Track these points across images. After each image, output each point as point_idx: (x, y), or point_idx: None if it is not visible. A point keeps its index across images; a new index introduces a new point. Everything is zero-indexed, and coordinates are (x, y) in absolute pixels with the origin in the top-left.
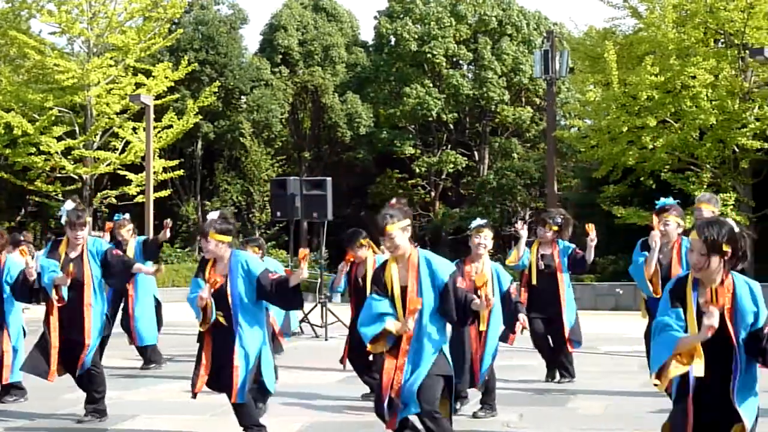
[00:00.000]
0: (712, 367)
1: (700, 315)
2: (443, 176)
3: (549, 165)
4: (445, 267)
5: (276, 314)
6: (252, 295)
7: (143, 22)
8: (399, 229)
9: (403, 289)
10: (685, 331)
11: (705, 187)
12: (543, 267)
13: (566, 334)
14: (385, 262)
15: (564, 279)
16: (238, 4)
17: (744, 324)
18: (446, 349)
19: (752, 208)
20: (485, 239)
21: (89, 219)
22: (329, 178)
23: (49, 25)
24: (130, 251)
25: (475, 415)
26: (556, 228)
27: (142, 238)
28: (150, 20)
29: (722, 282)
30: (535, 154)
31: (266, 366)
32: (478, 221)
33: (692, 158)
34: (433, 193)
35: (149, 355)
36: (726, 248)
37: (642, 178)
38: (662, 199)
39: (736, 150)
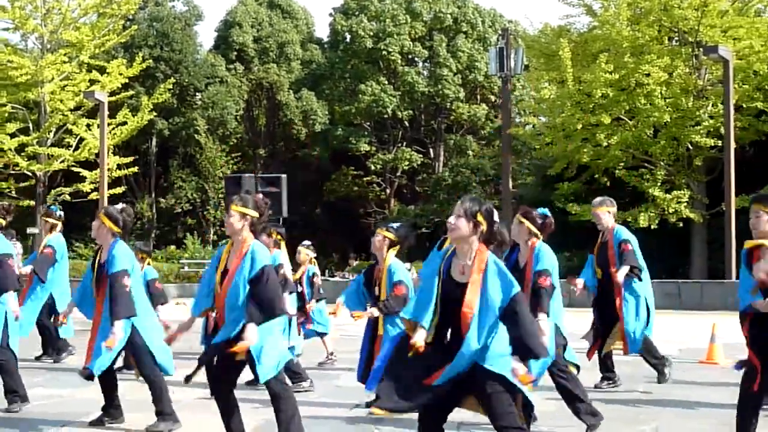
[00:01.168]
0: None
1: None
2: (398, 173)
3: (504, 162)
4: None
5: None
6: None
7: (97, 18)
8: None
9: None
10: None
11: (659, 184)
12: None
13: None
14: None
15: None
16: (192, 0)
17: None
18: None
19: (706, 206)
20: (373, 238)
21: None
22: (284, 176)
23: (2, 21)
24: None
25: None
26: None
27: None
28: (104, 16)
29: None
30: (490, 152)
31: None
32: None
33: (646, 156)
34: (388, 191)
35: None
36: None
37: (596, 176)
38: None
39: (690, 148)
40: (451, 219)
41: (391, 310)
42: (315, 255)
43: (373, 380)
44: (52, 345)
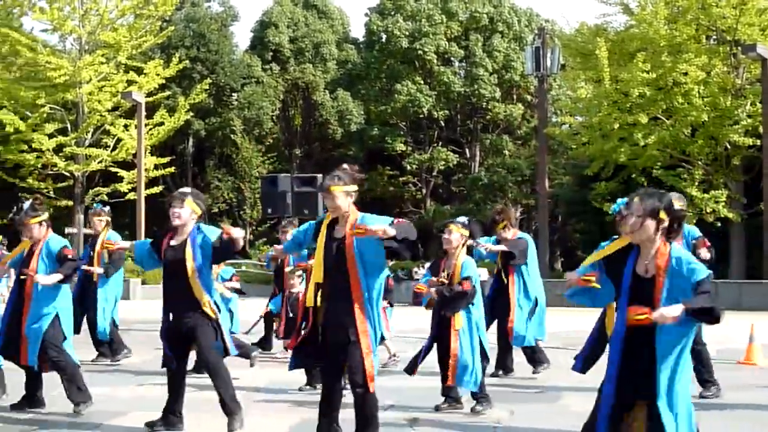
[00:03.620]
0: None
1: None
2: (434, 173)
3: (540, 162)
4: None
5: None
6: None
7: (134, 19)
8: (342, 192)
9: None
10: None
11: (697, 183)
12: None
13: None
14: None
15: (515, 280)
16: (229, 1)
17: None
18: None
19: (744, 205)
20: (449, 235)
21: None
22: (320, 175)
23: (41, 23)
24: (99, 244)
25: (473, 410)
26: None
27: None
28: (141, 18)
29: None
30: (526, 151)
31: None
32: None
33: (684, 155)
34: (424, 190)
35: (112, 347)
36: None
37: (633, 175)
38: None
39: (728, 147)
40: (632, 219)
41: (454, 299)
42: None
43: None
44: (110, 346)
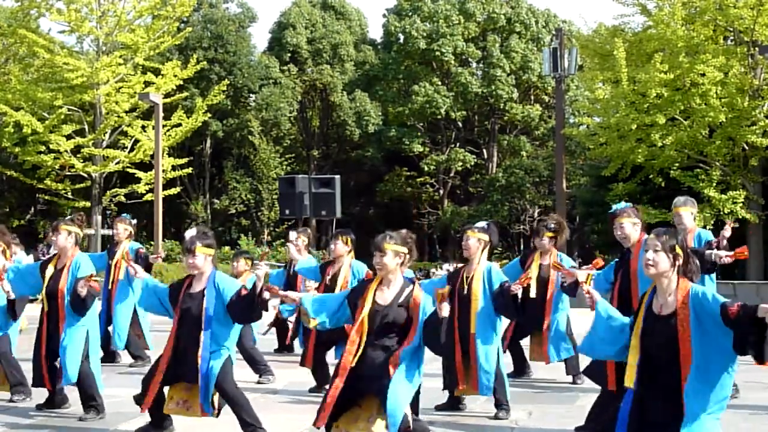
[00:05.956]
0: None
1: None
2: (452, 174)
3: (558, 163)
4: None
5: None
6: (222, 313)
7: (152, 20)
8: (392, 250)
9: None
10: None
11: (714, 184)
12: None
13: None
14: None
15: (555, 291)
16: (246, 2)
17: None
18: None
19: (762, 206)
20: (467, 241)
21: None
22: (338, 176)
23: (58, 24)
24: (120, 253)
25: (496, 417)
26: (551, 234)
27: (136, 246)
28: (159, 18)
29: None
30: (543, 152)
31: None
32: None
33: (702, 156)
34: (441, 191)
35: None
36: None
37: (651, 176)
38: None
39: (746, 147)
40: (649, 254)
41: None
42: None
43: None
44: (128, 350)
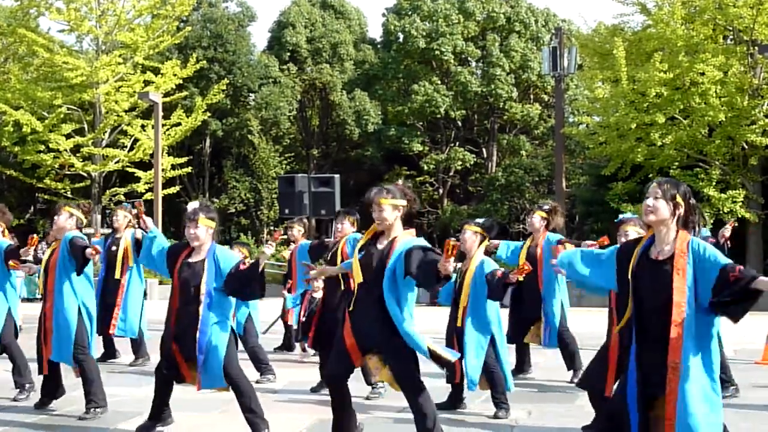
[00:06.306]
0: None
1: None
2: (451, 173)
3: (557, 162)
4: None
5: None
6: (220, 287)
7: (152, 19)
8: (390, 204)
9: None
10: None
11: (714, 183)
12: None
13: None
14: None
15: (545, 273)
16: (246, 1)
17: None
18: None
19: (761, 205)
20: (463, 235)
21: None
22: (337, 176)
23: (57, 23)
24: (124, 241)
25: (495, 416)
26: (543, 214)
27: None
28: (158, 18)
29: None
30: (543, 151)
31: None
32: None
33: (701, 155)
34: (441, 191)
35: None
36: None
37: (651, 175)
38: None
39: (746, 147)
40: (649, 201)
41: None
42: None
43: None
44: (134, 348)
